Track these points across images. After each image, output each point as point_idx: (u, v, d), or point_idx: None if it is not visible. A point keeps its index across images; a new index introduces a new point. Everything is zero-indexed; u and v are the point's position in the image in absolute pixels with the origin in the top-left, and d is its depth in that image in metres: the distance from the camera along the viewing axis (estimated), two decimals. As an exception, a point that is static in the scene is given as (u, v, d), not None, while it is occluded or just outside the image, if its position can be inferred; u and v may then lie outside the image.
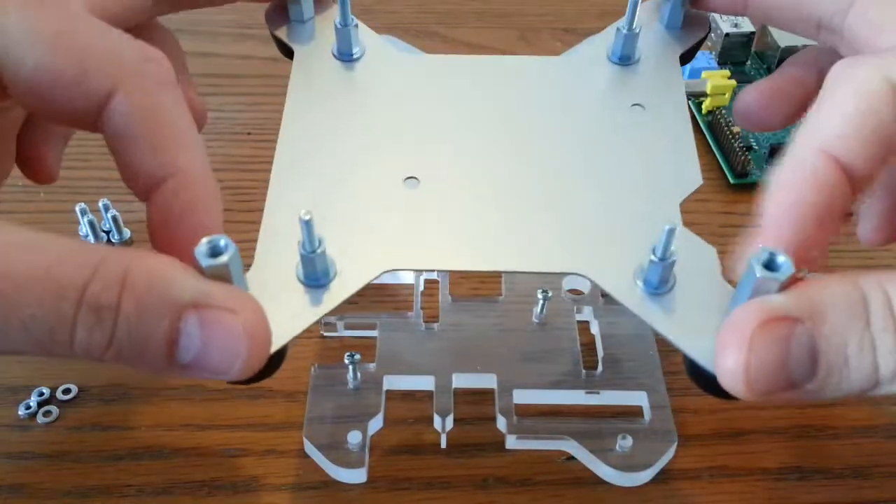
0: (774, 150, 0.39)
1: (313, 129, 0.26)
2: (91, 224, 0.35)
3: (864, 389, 0.19)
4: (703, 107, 0.42)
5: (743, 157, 0.39)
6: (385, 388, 0.29)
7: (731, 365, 0.18)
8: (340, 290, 0.22)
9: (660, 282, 0.22)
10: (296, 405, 0.30)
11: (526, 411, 0.29)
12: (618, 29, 0.27)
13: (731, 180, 0.39)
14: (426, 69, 0.28)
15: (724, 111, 0.41)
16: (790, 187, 0.21)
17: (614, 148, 0.25)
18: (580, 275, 0.22)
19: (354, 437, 0.27)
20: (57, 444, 0.29)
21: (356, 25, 0.27)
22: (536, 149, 0.25)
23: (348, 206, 0.24)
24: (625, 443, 0.28)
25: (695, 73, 0.43)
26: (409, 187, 0.24)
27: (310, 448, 0.27)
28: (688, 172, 0.25)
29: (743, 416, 0.30)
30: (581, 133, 0.26)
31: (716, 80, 0.42)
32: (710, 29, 0.28)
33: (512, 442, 0.28)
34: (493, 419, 0.29)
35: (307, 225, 0.21)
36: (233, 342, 0.18)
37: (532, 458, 0.29)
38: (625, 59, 0.27)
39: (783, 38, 0.43)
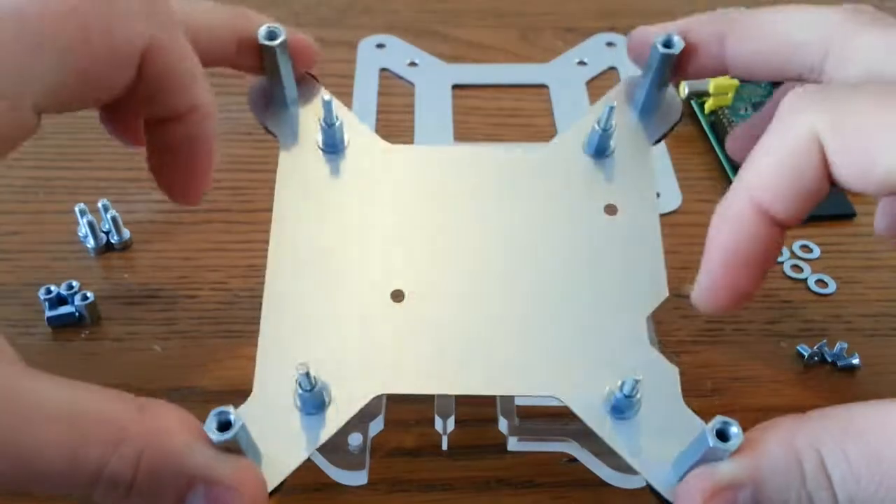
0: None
1: (302, 235, 0.27)
2: (90, 224, 0.34)
3: None
4: (706, 107, 0.42)
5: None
6: (386, 389, 0.29)
7: None
8: (336, 417, 0.24)
9: (626, 409, 0.24)
10: (296, 407, 0.30)
11: (527, 413, 0.29)
12: (594, 126, 0.28)
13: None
14: (407, 162, 0.29)
15: (726, 111, 0.41)
16: (723, 237, 0.24)
17: (589, 256, 0.27)
18: (556, 398, 0.24)
19: (355, 439, 0.27)
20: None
21: (340, 124, 0.28)
22: (514, 255, 0.27)
23: (338, 328, 0.25)
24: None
25: (697, 73, 0.43)
26: (395, 303, 0.26)
27: (310, 450, 0.27)
28: (655, 284, 0.26)
29: (745, 419, 0.30)
30: (558, 238, 0.27)
31: (718, 79, 0.41)
32: (681, 116, 0.29)
33: (513, 444, 0.28)
34: (495, 421, 0.28)
35: (305, 376, 0.23)
36: None
37: (534, 459, 0.28)
38: (599, 152, 0.28)
39: (785, 38, 0.43)
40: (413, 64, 0.46)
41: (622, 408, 0.24)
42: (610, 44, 0.48)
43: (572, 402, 0.24)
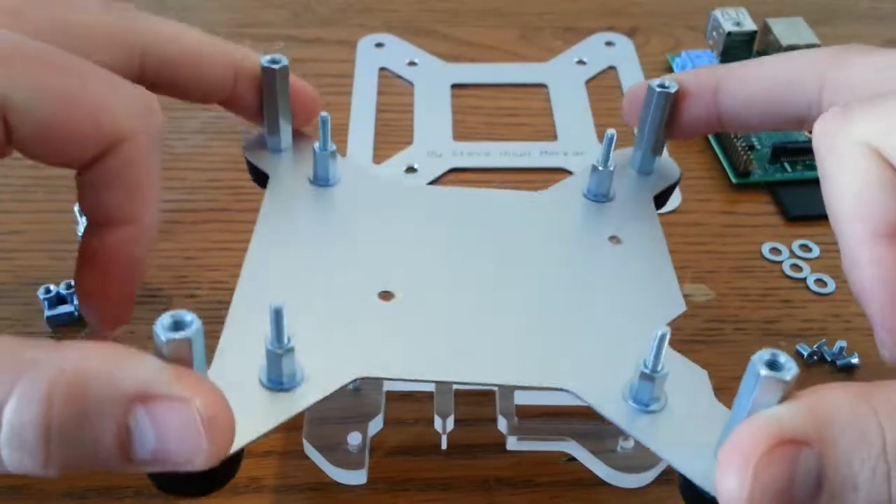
0: (777, 150, 0.39)
1: (284, 248, 0.26)
2: (90, 224, 0.34)
3: None
4: (705, 106, 0.42)
5: (745, 157, 0.39)
6: (385, 388, 0.29)
7: (732, 488, 0.17)
8: (306, 395, 0.21)
9: (651, 398, 0.21)
10: (295, 406, 0.30)
11: (527, 412, 0.29)
12: (593, 166, 0.28)
13: (733, 180, 0.39)
14: (403, 199, 0.28)
15: (725, 110, 0.41)
16: (876, 282, 0.21)
17: (595, 279, 0.26)
18: (566, 391, 0.22)
19: (354, 439, 0.27)
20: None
21: (334, 151, 0.28)
22: (517, 279, 0.26)
23: (319, 316, 0.24)
24: (626, 444, 0.27)
25: (696, 72, 0.43)
26: (383, 301, 0.24)
27: (309, 449, 0.27)
28: (670, 300, 0.25)
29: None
30: (561, 265, 0.26)
31: (717, 78, 0.41)
32: (680, 177, 0.30)
33: (513, 443, 0.28)
34: (494, 420, 0.28)
35: (277, 315, 0.20)
36: (190, 432, 0.17)
37: (533, 459, 0.28)
38: (600, 196, 0.29)
39: (785, 37, 0.43)
40: (412, 63, 0.46)
41: (647, 397, 0.21)
42: (609, 43, 0.48)
43: (587, 394, 0.22)
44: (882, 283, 0.21)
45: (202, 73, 0.27)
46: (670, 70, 0.46)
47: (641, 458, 0.27)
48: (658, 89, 0.28)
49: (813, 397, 0.18)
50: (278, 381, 0.21)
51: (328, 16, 0.50)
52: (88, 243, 0.24)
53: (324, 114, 0.27)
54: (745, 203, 0.39)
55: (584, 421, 0.29)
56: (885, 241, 0.21)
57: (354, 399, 0.29)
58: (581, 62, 0.46)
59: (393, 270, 0.26)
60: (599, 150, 0.28)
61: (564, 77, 0.46)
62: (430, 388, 0.29)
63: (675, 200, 0.39)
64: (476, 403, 0.30)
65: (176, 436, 0.17)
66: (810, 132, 0.24)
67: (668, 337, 0.20)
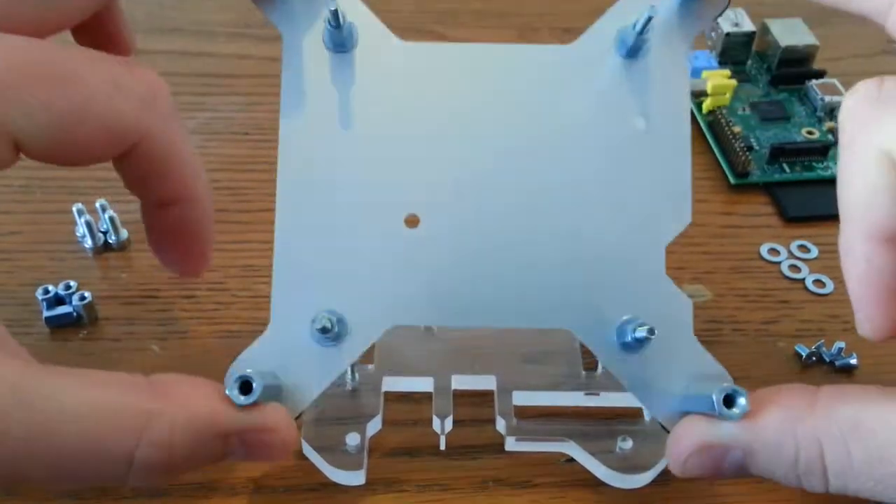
0: (775, 151, 0.39)
1: (311, 149, 0.26)
2: (88, 224, 0.34)
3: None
4: (704, 106, 0.42)
5: (744, 157, 0.39)
6: (383, 389, 0.29)
7: (672, 466, 0.24)
8: (352, 348, 0.25)
9: (635, 342, 0.24)
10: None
11: (525, 413, 0.29)
12: (630, 26, 0.25)
13: (732, 180, 0.39)
14: (422, 63, 0.26)
15: (724, 111, 0.41)
16: (861, 276, 0.23)
17: (612, 174, 0.26)
18: (567, 329, 0.25)
19: (353, 439, 0.27)
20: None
21: (349, 20, 0.26)
22: (534, 171, 0.26)
23: (352, 258, 0.25)
24: (625, 444, 0.27)
25: (695, 73, 0.43)
26: (408, 228, 0.25)
27: (308, 450, 0.27)
28: (679, 208, 0.26)
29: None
30: (581, 151, 0.26)
31: (716, 79, 0.41)
32: (728, 2, 0.26)
33: (511, 444, 0.28)
34: (493, 421, 0.29)
35: (322, 330, 0.24)
36: (272, 451, 0.23)
37: (532, 460, 0.28)
38: (632, 52, 0.26)
39: (784, 38, 0.43)
40: (411, 64, 0.46)
41: (632, 346, 0.24)
42: (608, 44, 0.47)
43: (583, 334, 0.25)
44: (866, 280, 0.23)
45: None
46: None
47: (640, 458, 0.27)
48: None
49: (750, 417, 0.22)
50: (325, 342, 0.24)
51: (327, 16, 0.50)
52: (150, 220, 0.26)
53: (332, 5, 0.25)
54: (744, 204, 0.39)
55: (582, 422, 0.29)
56: (879, 243, 0.23)
57: (353, 400, 0.29)
58: (580, 63, 0.46)
59: (417, 181, 0.26)
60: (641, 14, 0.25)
61: (563, 77, 0.45)
62: (429, 388, 0.29)
63: (673, 201, 0.38)
64: (474, 404, 0.30)
65: (262, 452, 0.23)
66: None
67: (656, 332, 0.24)
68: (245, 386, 0.22)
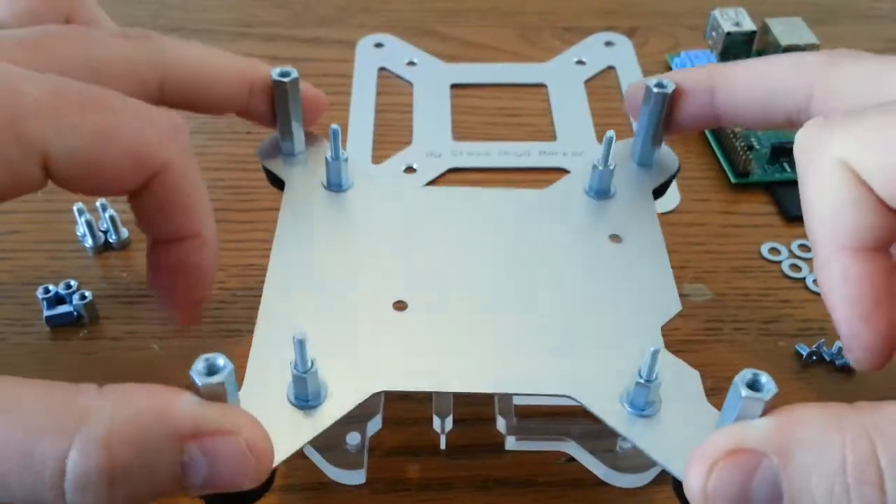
0: (776, 150, 0.39)
1: (303, 256, 0.27)
2: (88, 224, 0.34)
3: None
4: (704, 106, 0.42)
5: (744, 157, 0.39)
6: (384, 389, 0.29)
7: (693, 484, 0.19)
8: (332, 410, 0.23)
9: (646, 403, 0.23)
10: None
11: (526, 412, 0.29)
12: (594, 165, 0.29)
13: (732, 180, 0.39)
14: (413, 201, 0.30)
15: (724, 110, 0.41)
16: (841, 292, 0.23)
17: (594, 277, 0.27)
18: (569, 397, 0.24)
19: (353, 439, 0.27)
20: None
21: (346, 159, 0.29)
22: (520, 277, 0.27)
23: (339, 330, 0.25)
24: (625, 444, 0.27)
25: (695, 72, 0.43)
26: (398, 311, 0.26)
27: (308, 449, 0.27)
28: (667, 299, 0.26)
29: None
30: (562, 262, 0.28)
31: (716, 78, 0.41)
32: (678, 167, 0.31)
33: (511, 443, 0.28)
34: (493, 420, 0.28)
35: (301, 345, 0.22)
36: (238, 460, 0.19)
37: (532, 459, 0.28)
38: (601, 193, 0.30)
39: (784, 37, 0.43)
40: (412, 63, 0.46)
41: (642, 402, 0.23)
42: (608, 43, 0.48)
43: (587, 401, 0.24)
44: (847, 298, 0.23)
45: (219, 91, 0.28)
46: (669, 70, 0.46)
47: (640, 458, 0.27)
48: (655, 90, 0.29)
49: (786, 414, 0.19)
50: (304, 399, 0.23)
51: (328, 16, 0.50)
52: (155, 257, 0.26)
53: (334, 126, 0.28)
54: (744, 203, 0.39)
55: (582, 421, 0.29)
56: (853, 254, 0.23)
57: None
58: (580, 62, 0.46)
59: (405, 278, 0.27)
60: (599, 150, 0.29)
61: (564, 77, 0.46)
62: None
63: (674, 200, 0.39)
64: (475, 403, 0.30)
65: (226, 464, 0.19)
66: None
67: (660, 353, 0.22)
68: (212, 368, 0.20)
